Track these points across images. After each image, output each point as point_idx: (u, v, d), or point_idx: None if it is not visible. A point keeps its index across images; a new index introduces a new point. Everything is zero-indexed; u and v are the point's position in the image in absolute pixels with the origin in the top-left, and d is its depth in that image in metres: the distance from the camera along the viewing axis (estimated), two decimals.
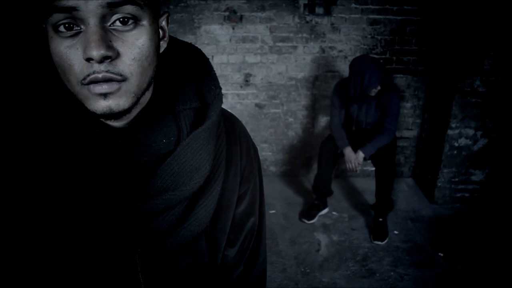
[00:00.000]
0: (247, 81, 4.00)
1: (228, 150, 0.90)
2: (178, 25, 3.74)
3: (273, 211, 3.71)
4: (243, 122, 4.44)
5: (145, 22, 0.68)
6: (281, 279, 2.90)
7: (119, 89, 0.67)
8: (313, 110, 4.13)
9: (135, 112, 0.75)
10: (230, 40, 3.87)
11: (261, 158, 4.22)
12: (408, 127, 4.20)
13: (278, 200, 3.89)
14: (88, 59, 0.64)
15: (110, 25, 0.66)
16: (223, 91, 3.43)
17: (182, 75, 0.83)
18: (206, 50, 3.84)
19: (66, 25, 0.64)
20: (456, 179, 3.80)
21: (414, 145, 4.27)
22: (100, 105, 0.67)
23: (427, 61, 3.97)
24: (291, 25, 3.84)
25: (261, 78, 4.00)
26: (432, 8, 3.78)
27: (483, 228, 3.52)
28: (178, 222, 0.79)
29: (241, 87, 4.02)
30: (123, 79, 0.67)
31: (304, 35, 3.88)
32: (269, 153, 4.26)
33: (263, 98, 4.06)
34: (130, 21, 0.66)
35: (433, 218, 3.66)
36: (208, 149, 0.80)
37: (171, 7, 3.70)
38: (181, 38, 3.59)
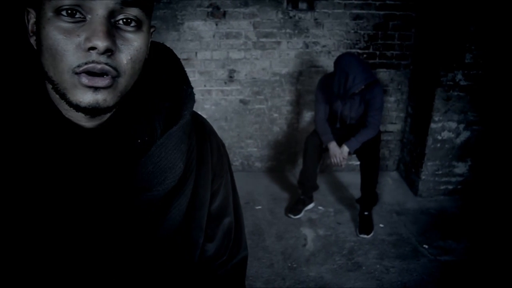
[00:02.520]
0: (231, 77, 3.99)
1: (199, 148, 0.90)
2: (161, 21, 3.72)
3: (259, 207, 3.71)
4: (228, 119, 4.45)
5: (144, 29, 0.71)
6: (268, 275, 2.90)
7: (111, 85, 0.67)
8: (297, 105, 4.13)
9: (110, 113, 0.75)
10: (214, 36, 3.86)
11: (246, 154, 4.23)
12: (392, 121, 4.24)
13: (264, 195, 3.89)
14: (91, 48, 0.64)
15: (114, 22, 0.67)
16: (207, 88, 3.44)
17: (154, 75, 0.83)
18: (190, 47, 3.83)
19: (69, 11, 0.64)
20: (440, 172, 3.84)
21: (398, 139, 4.31)
22: (88, 98, 0.67)
23: (410, 56, 4.00)
24: (274, 20, 3.84)
25: (245, 74, 3.99)
26: (414, 3, 3.81)
27: (467, 219, 3.56)
28: (152, 222, 0.79)
29: (225, 83, 4.01)
30: (117, 75, 0.68)
31: (288, 30, 3.88)
32: (254, 149, 4.26)
33: (248, 94, 4.06)
34: (133, 23, 0.69)
35: (418, 211, 3.69)
36: (181, 148, 0.81)
37: (154, 3, 3.67)
38: (164, 35, 3.56)
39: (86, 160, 0.74)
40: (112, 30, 0.66)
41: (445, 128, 3.69)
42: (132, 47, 0.69)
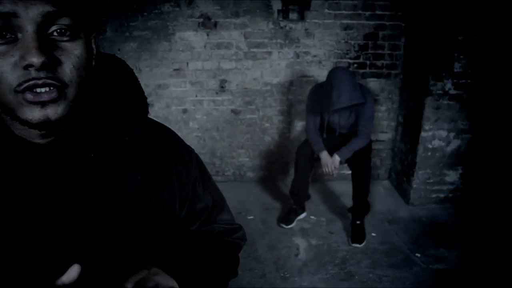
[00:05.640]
0: (222, 87, 3.99)
1: (160, 158, 0.89)
2: (152, 32, 3.72)
3: (251, 217, 3.70)
4: (219, 128, 4.44)
5: (82, 35, 0.70)
6: (261, 285, 2.89)
7: (59, 97, 0.67)
8: (288, 115, 4.14)
9: (62, 128, 0.75)
10: (205, 46, 3.86)
11: (238, 164, 4.22)
12: (383, 130, 4.25)
13: (256, 205, 3.89)
14: (27, 66, 0.63)
15: (48, 34, 0.66)
16: (198, 98, 3.44)
17: (106, 87, 0.82)
18: (181, 57, 3.83)
19: None
20: (431, 180, 3.85)
21: (389, 148, 4.33)
22: (37, 114, 0.66)
23: (400, 65, 4.03)
24: (265, 30, 3.85)
25: (237, 84, 4.00)
26: (404, 13, 3.84)
27: (458, 227, 3.57)
28: (113, 235, 0.79)
29: (216, 93, 4.01)
30: (63, 86, 0.67)
31: (279, 40, 3.89)
32: (246, 159, 4.25)
33: (239, 104, 4.06)
34: (68, 32, 0.67)
35: (410, 219, 3.70)
36: (137, 159, 0.81)
37: (145, 13, 3.67)
38: (155, 45, 3.55)
39: (42, 178, 0.73)
40: (47, 43, 0.65)
41: (435, 136, 3.71)
42: (72, 55, 0.68)
